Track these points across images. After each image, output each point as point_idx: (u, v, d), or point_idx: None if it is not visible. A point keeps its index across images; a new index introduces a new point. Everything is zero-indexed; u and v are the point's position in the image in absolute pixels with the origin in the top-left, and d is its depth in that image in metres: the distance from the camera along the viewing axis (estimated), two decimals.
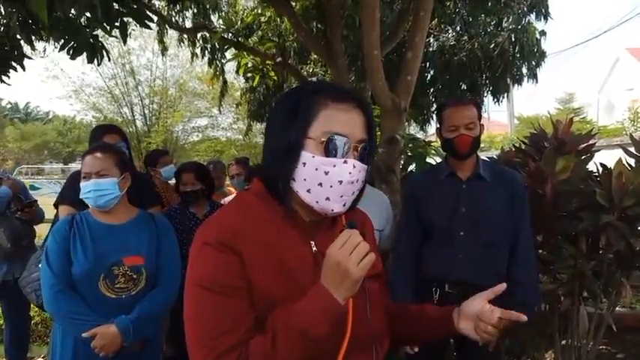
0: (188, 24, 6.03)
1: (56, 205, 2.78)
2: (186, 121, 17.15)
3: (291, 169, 1.03)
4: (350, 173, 1.02)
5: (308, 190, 1.03)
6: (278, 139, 1.06)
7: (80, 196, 2.01)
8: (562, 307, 2.65)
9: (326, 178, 1.01)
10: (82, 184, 1.99)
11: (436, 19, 5.47)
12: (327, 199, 1.02)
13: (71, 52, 3.71)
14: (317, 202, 1.03)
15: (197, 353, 0.96)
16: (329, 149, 1.01)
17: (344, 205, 1.05)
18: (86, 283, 1.92)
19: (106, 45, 3.96)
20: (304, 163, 1.02)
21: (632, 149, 2.59)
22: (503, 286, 1.15)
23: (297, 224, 1.08)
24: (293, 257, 1.03)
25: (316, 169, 1.02)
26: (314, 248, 1.07)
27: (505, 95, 6.67)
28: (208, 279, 0.98)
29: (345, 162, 1.02)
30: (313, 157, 1.02)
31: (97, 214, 2.04)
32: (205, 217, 3.12)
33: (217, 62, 6.21)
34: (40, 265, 2.09)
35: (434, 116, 6.79)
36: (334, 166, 1.01)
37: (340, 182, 1.02)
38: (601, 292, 2.63)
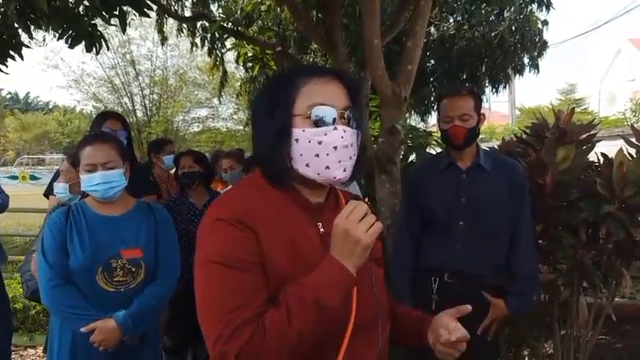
0: (187, 13, 5.99)
1: (46, 195, 2.79)
2: (186, 112, 17.11)
3: (286, 148, 1.06)
4: (342, 137, 1.05)
5: (307, 165, 1.06)
6: (266, 125, 1.09)
7: (83, 189, 1.97)
8: (561, 297, 2.65)
9: (321, 148, 1.04)
10: (87, 176, 1.92)
11: (437, 8, 5.43)
12: (327, 167, 1.05)
13: (70, 40, 3.70)
14: (318, 173, 1.06)
15: (212, 328, 0.96)
16: (316, 120, 1.05)
17: (344, 170, 1.07)
18: (83, 276, 1.89)
19: (105, 34, 3.94)
20: (297, 140, 1.05)
21: (633, 139, 2.58)
22: (468, 308, 1.13)
23: (303, 206, 1.10)
24: (301, 238, 1.05)
25: (309, 142, 1.05)
26: (321, 229, 1.09)
27: (505, 85, 6.64)
28: (224, 254, 0.99)
29: (335, 128, 1.05)
30: (303, 131, 1.05)
31: (93, 204, 2.00)
32: (205, 207, 3.12)
33: (217, 52, 6.17)
34: (33, 255, 2.06)
35: (434, 106, 6.76)
36: (325, 134, 1.05)
37: (335, 148, 1.05)
38: (600, 282, 2.62)
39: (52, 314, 2.02)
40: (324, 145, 1.04)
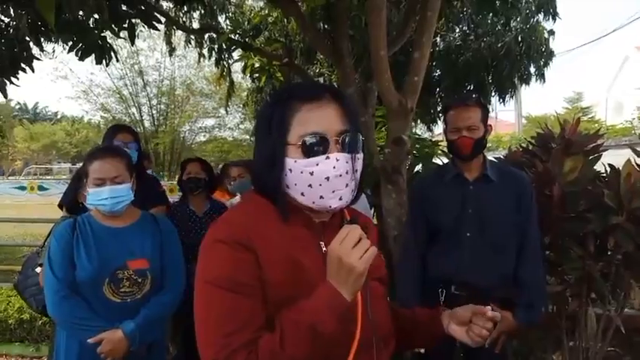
0: (195, 25, 6.05)
1: (61, 206, 2.80)
2: (193, 122, 17.24)
3: (279, 178, 1.06)
4: (334, 167, 1.03)
5: (302, 194, 1.06)
6: (261, 151, 1.09)
7: (89, 203, 1.98)
8: (570, 309, 2.63)
9: (313, 178, 1.04)
10: (95, 190, 1.94)
11: (443, 19, 5.45)
12: (321, 197, 1.05)
13: (80, 53, 3.75)
14: (313, 202, 1.06)
15: (208, 350, 0.97)
16: (307, 150, 1.03)
17: (340, 199, 1.06)
18: (90, 287, 1.91)
19: (114, 46, 3.99)
20: (290, 170, 1.05)
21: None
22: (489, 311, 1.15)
23: (306, 225, 1.10)
24: (304, 258, 1.05)
25: (301, 172, 1.04)
26: (324, 248, 1.08)
27: (511, 95, 6.64)
28: (222, 277, 0.99)
29: (328, 157, 1.03)
30: (295, 161, 1.04)
31: (99, 217, 2.02)
32: (205, 215, 3.13)
33: (224, 63, 6.23)
34: (37, 269, 2.07)
35: (440, 116, 6.78)
36: (317, 164, 1.03)
37: (327, 179, 1.03)
38: (609, 293, 2.60)
39: (59, 326, 2.03)
40: (316, 175, 1.03)
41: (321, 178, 1.03)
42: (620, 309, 2.74)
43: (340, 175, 1.04)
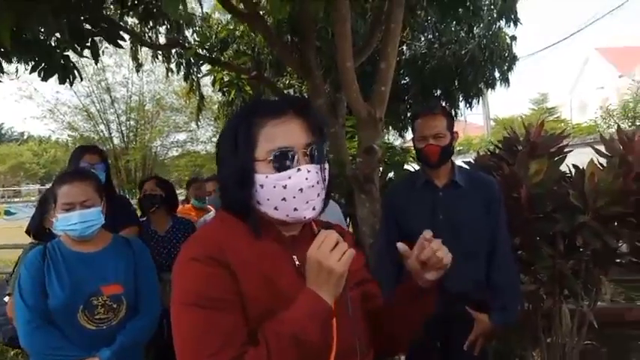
0: (162, 39, 6.00)
1: (28, 232, 2.69)
2: (164, 137, 16.99)
3: (250, 195, 1.06)
4: (307, 179, 1.05)
5: (275, 208, 1.06)
6: (228, 169, 1.09)
7: (59, 229, 1.93)
8: (544, 307, 2.69)
9: (287, 192, 1.05)
10: (64, 215, 1.89)
11: (408, 29, 5.55)
12: (296, 209, 1.06)
13: (42, 73, 3.67)
14: (287, 215, 1.06)
15: None
16: (278, 165, 1.04)
17: (314, 209, 1.08)
18: (64, 315, 1.85)
19: (80, 63, 3.93)
20: (261, 185, 1.06)
21: (602, 148, 2.66)
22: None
23: (277, 240, 1.10)
24: (278, 273, 1.05)
25: (274, 187, 1.05)
26: (296, 262, 1.08)
27: (478, 100, 6.80)
28: (199, 295, 0.98)
29: (299, 169, 1.05)
30: (267, 177, 1.05)
31: (70, 242, 1.97)
32: (167, 233, 3.08)
33: (193, 77, 6.18)
34: (5, 299, 2.00)
35: (411, 122, 6.87)
36: (289, 177, 1.04)
37: (301, 190, 1.05)
38: (581, 290, 2.67)
39: (33, 357, 1.95)
40: (289, 188, 1.04)
41: (295, 191, 1.04)
42: (592, 304, 2.82)
43: (313, 186, 1.06)
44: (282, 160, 1.04)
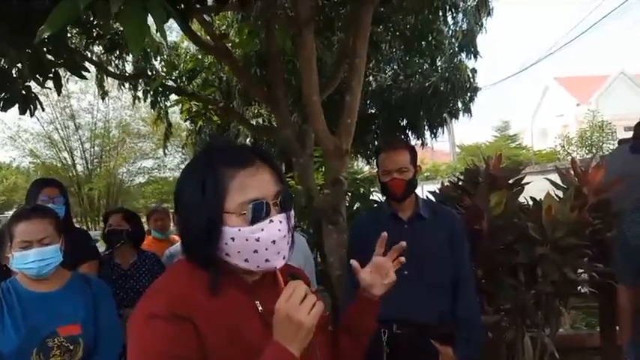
0: (129, 67, 5.96)
1: None
2: (131, 163, 16.71)
3: (218, 247, 1.04)
4: (279, 230, 1.04)
5: (246, 260, 1.04)
6: (193, 219, 1.05)
7: (15, 267, 1.86)
8: (508, 337, 2.73)
9: (259, 244, 1.02)
10: (20, 253, 1.83)
11: (373, 60, 5.70)
12: (267, 260, 1.04)
13: (2, 103, 3.58)
14: (258, 266, 1.05)
15: None
16: (252, 218, 1.02)
17: (283, 257, 1.07)
18: (16, 359, 1.77)
19: (44, 89, 3.85)
20: (232, 239, 1.02)
21: (559, 181, 2.77)
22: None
23: (240, 288, 1.08)
24: (242, 322, 1.03)
25: (247, 240, 1.02)
26: (259, 308, 1.06)
27: (443, 130, 7.02)
28: (160, 355, 0.94)
29: (271, 221, 1.03)
30: (239, 230, 1.02)
31: (26, 281, 1.90)
32: (131, 267, 2.99)
33: (161, 105, 6.14)
34: None
35: None
36: (262, 230, 1.02)
37: (274, 242, 1.03)
38: (542, 320, 2.73)
39: None
40: (262, 241, 1.02)
41: (268, 242, 1.02)
42: (553, 333, 2.88)
43: (284, 236, 1.05)
44: (256, 213, 1.02)
